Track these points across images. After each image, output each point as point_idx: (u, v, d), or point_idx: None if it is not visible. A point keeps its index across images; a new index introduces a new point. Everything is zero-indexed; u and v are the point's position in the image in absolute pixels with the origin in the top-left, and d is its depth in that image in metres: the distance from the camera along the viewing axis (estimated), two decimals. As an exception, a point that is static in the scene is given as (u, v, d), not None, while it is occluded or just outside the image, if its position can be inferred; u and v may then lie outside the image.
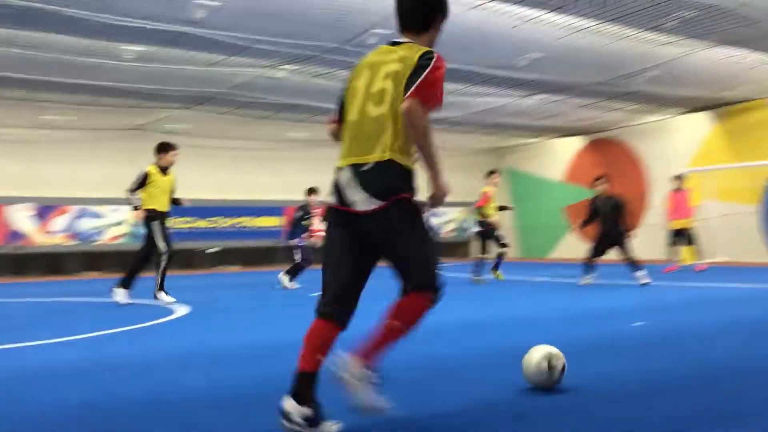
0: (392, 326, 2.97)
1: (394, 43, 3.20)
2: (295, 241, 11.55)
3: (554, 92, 14.95)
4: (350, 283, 3.02)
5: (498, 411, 3.41)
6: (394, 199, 2.94)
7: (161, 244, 9.14)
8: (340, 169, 3.07)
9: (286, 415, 2.86)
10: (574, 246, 20.61)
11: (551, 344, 3.87)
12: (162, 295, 9.26)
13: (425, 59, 3.04)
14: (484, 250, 12.81)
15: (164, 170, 9.38)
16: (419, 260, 2.98)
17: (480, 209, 12.69)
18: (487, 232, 12.62)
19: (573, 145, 21.55)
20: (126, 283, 9.12)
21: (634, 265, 10.89)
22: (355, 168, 2.99)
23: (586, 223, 11.62)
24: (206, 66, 12.08)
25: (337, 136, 3.25)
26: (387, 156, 2.95)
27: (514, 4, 9.50)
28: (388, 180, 2.95)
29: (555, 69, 12.86)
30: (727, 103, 16.83)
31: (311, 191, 11.97)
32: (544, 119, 18.19)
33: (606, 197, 11.45)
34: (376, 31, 10.22)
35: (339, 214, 3.04)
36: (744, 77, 14.12)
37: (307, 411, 2.85)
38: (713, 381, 4.00)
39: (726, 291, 9.89)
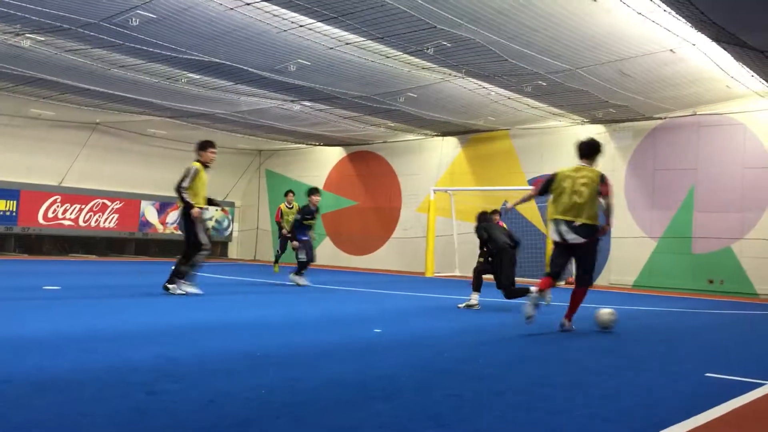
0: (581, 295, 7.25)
1: (580, 167, 7.14)
2: (296, 243, 12.13)
3: (320, 101, 15.22)
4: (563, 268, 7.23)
5: (226, 412, 3.29)
6: (589, 240, 6.98)
7: (204, 239, 9.37)
8: (558, 220, 7.00)
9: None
10: (331, 253, 21.17)
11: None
12: (179, 286, 9.31)
13: (602, 176, 7.03)
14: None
15: (206, 167, 9.68)
16: (592, 269, 7.26)
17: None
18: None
19: (334, 154, 22.13)
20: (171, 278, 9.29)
21: None
22: (569, 223, 6.95)
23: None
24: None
25: (531, 198, 7.69)
26: (587, 221, 6.92)
27: (287, 8, 9.49)
28: (587, 231, 6.93)
29: (322, 78, 13.08)
30: (474, 131, 18.40)
31: (313, 192, 12.47)
32: (309, 126, 18.44)
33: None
34: (140, 12, 9.60)
35: (560, 244, 7.07)
36: (490, 109, 15.54)
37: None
38: (435, 384, 4.25)
39: (459, 302, 10.71)
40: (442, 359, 5.27)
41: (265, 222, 23.48)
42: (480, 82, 13.17)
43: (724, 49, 10.13)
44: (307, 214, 12.31)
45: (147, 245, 21.62)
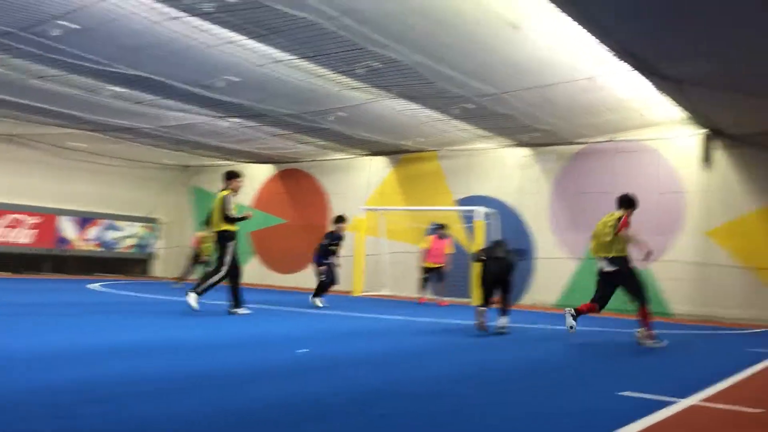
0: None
1: (612, 213, 8.75)
2: (323, 268, 12.69)
3: (249, 117, 15.08)
4: (606, 296, 8.64)
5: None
6: (620, 269, 8.50)
7: (229, 262, 10.06)
8: (598, 258, 8.70)
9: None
10: (259, 271, 20.88)
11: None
12: (190, 298, 9.93)
13: (618, 218, 8.60)
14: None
15: (235, 194, 10.42)
16: (635, 292, 8.55)
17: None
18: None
19: (264, 171, 21.92)
20: (236, 302, 10.20)
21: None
22: (604, 257, 8.57)
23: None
24: None
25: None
26: (615, 254, 8.49)
27: (215, 23, 9.39)
28: (617, 262, 8.47)
29: (251, 95, 12.98)
30: (403, 151, 18.58)
31: (340, 220, 13.05)
32: (237, 143, 18.24)
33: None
34: (60, 23, 9.31)
35: (602, 272, 8.64)
36: (419, 130, 15.73)
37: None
38: (367, 406, 4.23)
39: (388, 322, 10.73)
40: (371, 379, 5.25)
41: (190, 239, 22.96)
42: (409, 104, 13.34)
43: (645, 77, 10.55)
44: (334, 240, 12.95)
45: (65, 262, 20.83)
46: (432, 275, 15.22)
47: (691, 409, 4.74)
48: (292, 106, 13.77)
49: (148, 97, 13.36)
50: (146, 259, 22.96)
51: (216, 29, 9.62)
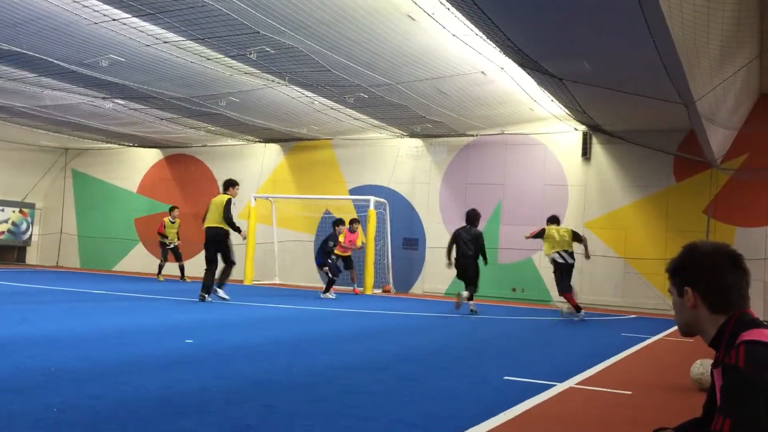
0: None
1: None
2: (326, 269, 13.92)
3: (135, 99, 14.47)
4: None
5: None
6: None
7: (233, 257, 11.43)
8: (554, 252, 11.62)
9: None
10: (145, 260, 20.13)
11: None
12: (221, 293, 11.28)
13: (575, 231, 12.10)
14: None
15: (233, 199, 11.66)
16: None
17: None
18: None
19: (150, 156, 21.11)
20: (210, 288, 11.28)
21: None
22: (562, 251, 11.56)
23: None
24: None
25: (535, 237, 12.05)
26: (569, 248, 11.62)
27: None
28: (571, 255, 11.63)
29: (137, 76, 12.45)
30: (297, 139, 18.40)
31: (338, 223, 14.26)
32: (122, 126, 17.46)
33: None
34: None
35: (560, 263, 11.57)
36: (313, 118, 15.62)
37: None
38: (247, 396, 4.17)
39: (278, 311, 10.64)
40: (256, 370, 5.17)
41: (70, 226, 21.85)
42: (303, 91, 13.21)
43: (528, 74, 10.95)
44: (330, 240, 14.07)
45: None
46: (340, 262, 15.35)
47: (568, 391, 4.98)
48: (182, 89, 13.32)
49: (24, 74, 12.54)
50: (21, 246, 21.63)
51: (100, 5, 9.13)
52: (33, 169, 21.60)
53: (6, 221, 20.86)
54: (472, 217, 11.96)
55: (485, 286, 15.85)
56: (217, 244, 11.27)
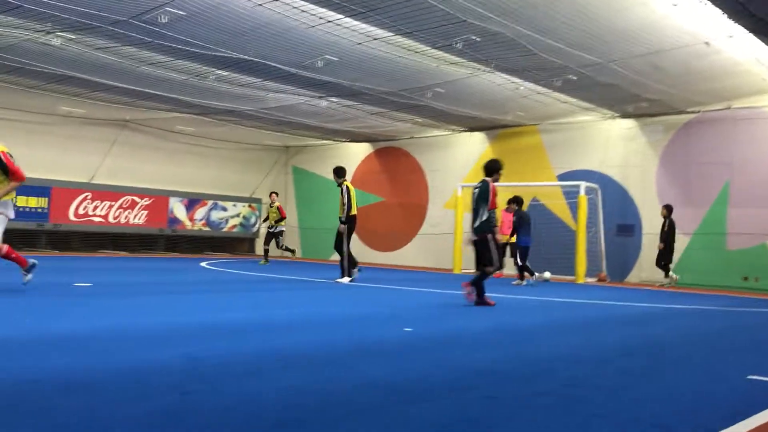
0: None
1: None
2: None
3: (347, 96, 15.17)
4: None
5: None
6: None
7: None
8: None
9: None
10: (358, 249, 21.09)
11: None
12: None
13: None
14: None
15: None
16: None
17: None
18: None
19: (361, 150, 22.07)
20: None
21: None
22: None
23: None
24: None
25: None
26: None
27: (315, 3, 9.44)
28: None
29: (349, 74, 13.03)
30: (501, 126, 18.21)
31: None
32: (335, 122, 18.42)
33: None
34: (169, 9, 9.62)
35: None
36: (518, 104, 15.36)
37: None
38: (469, 386, 4.16)
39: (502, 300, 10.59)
40: (476, 359, 5.18)
41: (292, 218, 23.50)
42: (509, 77, 13.02)
43: (762, 40, 9.86)
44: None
45: (176, 241, 21.79)
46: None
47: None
48: (390, 83, 13.73)
49: (251, 79, 13.66)
50: (251, 238, 23.67)
51: (316, 9, 9.67)
52: (259, 167, 23.51)
53: (238, 215, 22.97)
54: None
55: (714, 274, 14.64)
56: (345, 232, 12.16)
